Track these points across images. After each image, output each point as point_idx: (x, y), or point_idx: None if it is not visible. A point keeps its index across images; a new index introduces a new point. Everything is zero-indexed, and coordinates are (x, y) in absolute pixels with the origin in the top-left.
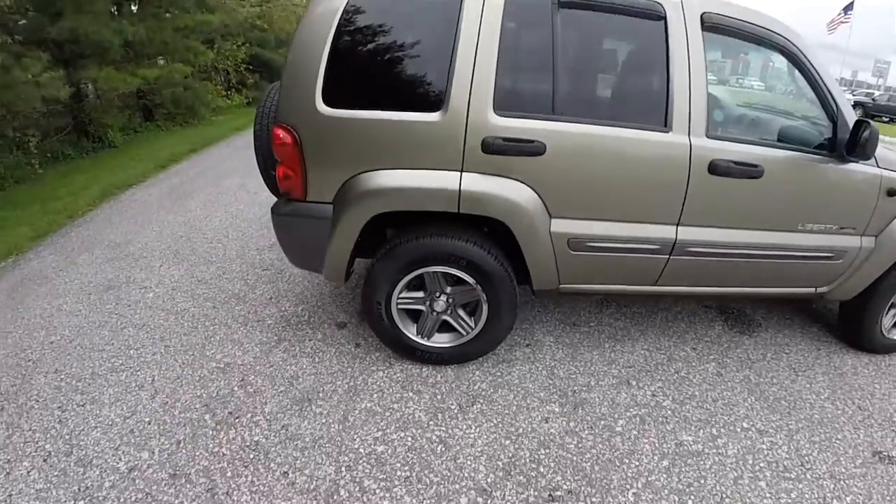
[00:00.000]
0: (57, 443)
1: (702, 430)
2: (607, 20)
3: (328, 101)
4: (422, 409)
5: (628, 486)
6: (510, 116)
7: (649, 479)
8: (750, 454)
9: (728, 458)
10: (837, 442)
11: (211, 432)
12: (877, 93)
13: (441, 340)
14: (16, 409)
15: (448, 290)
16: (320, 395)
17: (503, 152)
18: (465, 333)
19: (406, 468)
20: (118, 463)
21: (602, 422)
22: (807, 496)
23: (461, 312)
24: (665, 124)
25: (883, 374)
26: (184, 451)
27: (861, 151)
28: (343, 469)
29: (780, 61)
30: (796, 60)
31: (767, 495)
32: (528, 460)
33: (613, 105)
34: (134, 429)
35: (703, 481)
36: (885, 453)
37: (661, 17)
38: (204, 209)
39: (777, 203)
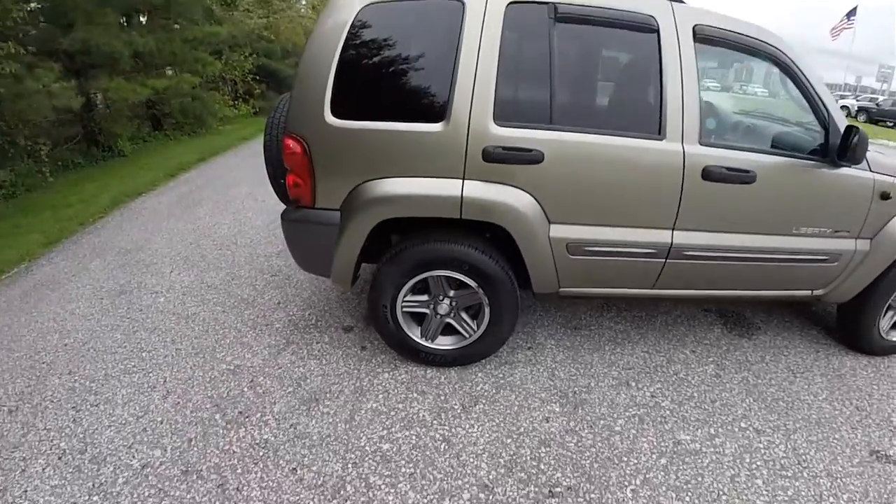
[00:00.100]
0: (71, 441)
1: (700, 430)
2: (602, 33)
3: (336, 112)
4: (426, 408)
5: (626, 483)
6: (510, 126)
7: (647, 476)
8: (747, 453)
9: (725, 457)
10: (835, 441)
11: (221, 431)
12: (881, 98)
13: (444, 343)
14: (31, 408)
15: (451, 293)
16: (327, 395)
17: (503, 161)
18: (467, 336)
19: (410, 465)
20: (131, 460)
21: (601, 421)
22: (803, 493)
23: (464, 315)
24: (659, 132)
25: (882, 375)
26: (195, 448)
27: (851, 156)
28: (349, 466)
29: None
30: (787, 69)
31: (764, 492)
32: (528, 458)
33: (609, 114)
34: (147, 428)
35: (700, 479)
36: (883, 452)
37: (654, 30)
38: (213, 217)
39: (770, 207)
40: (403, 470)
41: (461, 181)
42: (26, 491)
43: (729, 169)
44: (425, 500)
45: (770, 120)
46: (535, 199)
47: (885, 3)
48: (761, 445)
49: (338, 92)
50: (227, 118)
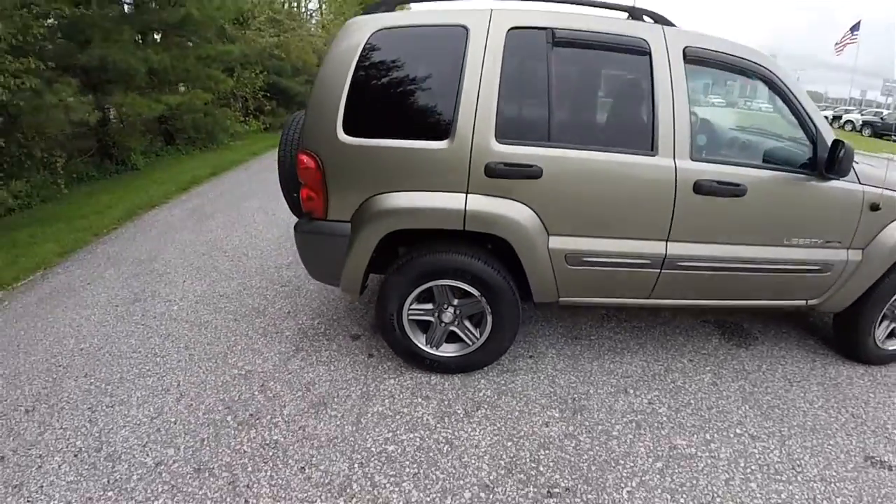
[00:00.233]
0: (87, 440)
1: (696, 435)
2: (597, 56)
3: (348, 130)
4: (430, 413)
5: (623, 485)
6: (510, 144)
7: (643, 478)
8: (742, 458)
9: (720, 461)
10: (829, 447)
11: (233, 432)
12: (885, 112)
13: (448, 350)
14: (47, 409)
15: (455, 302)
16: (335, 399)
17: (504, 176)
18: (471, 343)
19: (414, 465)
20: (146, 458)
21: (600, 426)
22: (797, 497)
23: (467, 324)
24: (652, 148)
25: (878, 384)
26: (207, 448)
27: (839, 168)
28: (356, 466)
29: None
30: (775, 87)
31: (758, 495)
32: (528, 460)
33: (604, 132)
34: (160, 428)
35: (695, 482)
36: (878, 458)
37: (647, 53)
38: (224, 229)
39: (761, 219)
40: (407, 470)
41: (465, 195)
42: (42, 486)
43: (719, 182)
44: (428, 499)
45: (764, 135)
46: (535, 212)
47: (890, 18)
48: (756, 451)
49: (350, 111)
50: (238, 134)
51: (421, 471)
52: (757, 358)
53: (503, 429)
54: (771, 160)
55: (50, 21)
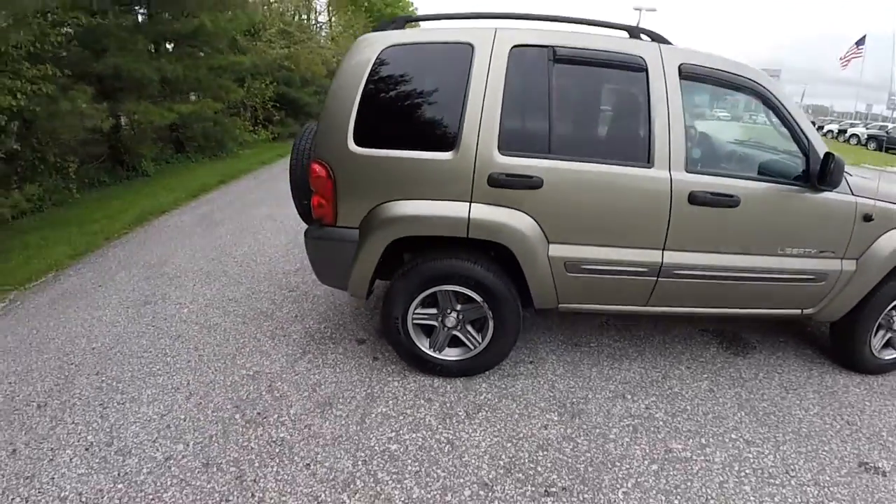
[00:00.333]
0: (98, 435)
1: (691, 440)
2: (596, 72)
3: (358, 140)
4: (432, 414)
5: (619, 486)
6: (513, 155)
7: (639, 480)
8: (736, 462)
9: (715, 465)
10: (824, 453)
11: (241, 429)
12: (891, 125)
13: (451, 354)
14: (59, 404)
15: (458, 307)
16: (340, 400)
17: (507, 186)
18: (473, 348)
19: (416, 464)
20: (155, 453)
21: (597, 430)
22: (790, 500)
23: (470, 328)
24: (648, 161)
25: (875, 392)
26: (216, 444)
27: (830, 180)
28: (360, 463)
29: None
30: (768, 102)
31: (751, 498)
32: (527, 461)
33: (602, 144)
34: (170, 424)
35: (689, 484)
36: (872, 464)
37: (643, 69)
38: (233, 236)
39: (755, 229)
40: (409, 468)
41: (468, 204)
42: (53, 478)
43: (713, 193)
44: (429, 496)
45: (760, 148)
46: (536, 220)
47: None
48: (751, 455)
49: (360, 122)
50: (247, 143)
51: (422, 469)
52: (754, 366)
53: (503, 430)
54: (765, 172)
55: (66, 29)
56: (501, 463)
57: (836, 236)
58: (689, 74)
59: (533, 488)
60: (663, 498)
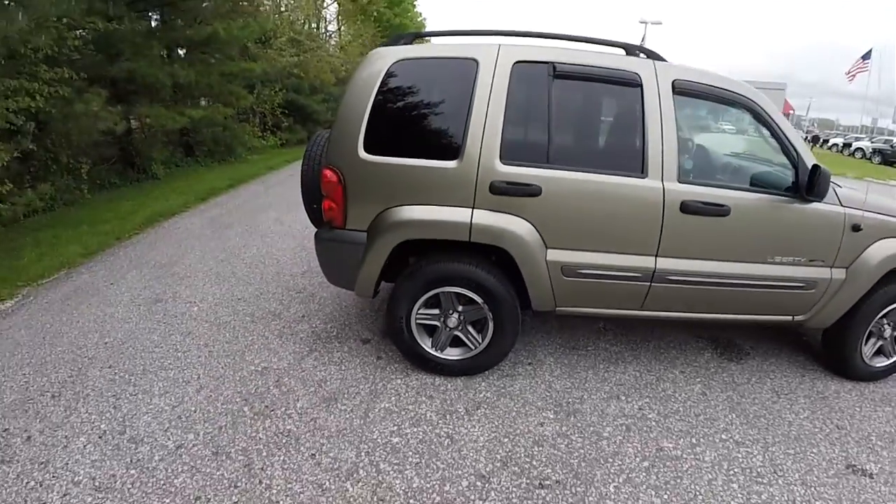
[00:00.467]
0: (111, 423)
1: (682, 439)
2: (593, 87)
3: (368, 149)
4: (433, 410)
5: (610, 481)
6: (513, 165)
7: (630, 475)
8: (726, 461)
9: (704, 463)
10: (812, 455)
11: (249, 421)
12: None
13: (453, 354)
14: (73, 395)
15: (460, 308)
16: (345, 395)
17: (507, 193)
18: (473, 348)
19: (417, 456)
20: (167, 441)
21: (591, 428)
22: (777, 498)
23: (471, 329)
24: (642, 171)
25: (865, 398)
26: (225, 434)
27: (817, 191)
28: (363, 454)
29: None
30: (759, 116)
31: (739, 495)
32: (522, 455)
33: (598, 155)
34: (181, 415)
35: (678, 480)
36: (859, 466)
37: (638, 85)
38: (242, 238)
39: (745, 238)
40: (410, 460)
41: (471, 210)
42: (67, 464)
43: (704, 203)
44: (428, 485)
45: (755, 160)
46: (535, 226)
47: None
48: (740, 455)
49: (370, 131)
50: (256, 148)
51: (423, 461)
52: (747, 371)
53: (500, 427)
54: (757, 183)
55: (80, 32)
56: (498, 457)
57: (825, 245)
58: (682, 90)
59: (528, 481)
60: (653, 493)
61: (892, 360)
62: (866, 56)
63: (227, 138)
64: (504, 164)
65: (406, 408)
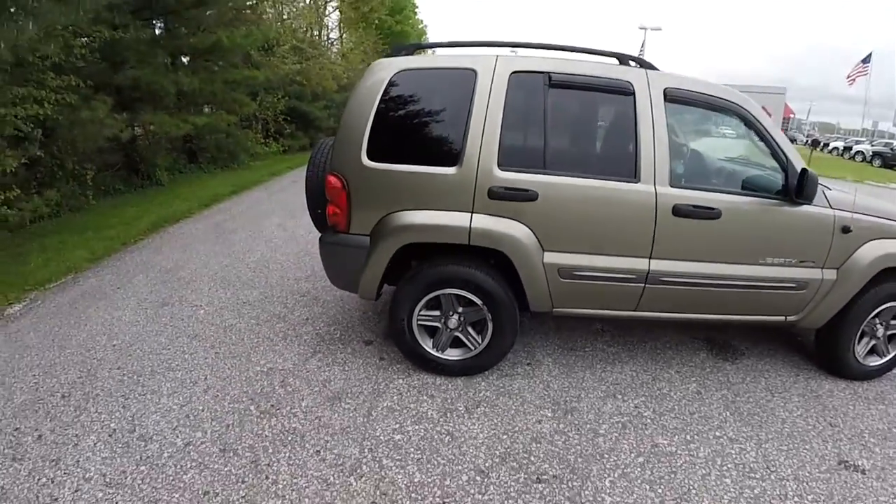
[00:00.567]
0: (121, 422)
1: (677, 436)
2: (587, 96)
3: (371, 156)
4: (434, 409)
5: (606, 476)
6: (511, 170)
7: (625, 470)
8: (719, 457)
9: (698, 459)
10: (805, 451)
11: (255, 419)
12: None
13: (453, 354)
14: (83, 395)
15: (460, 310)
16: (349, 395)
17: (505, 198)
18: (473, 348)
19: (418, 452)
20: (175, 439)
21: (588, 425)
22: (769, 493)
23: (470, 330)
24: (635, 176)
25: (859, 397)
26: (232, 432)
27: (805, 194)
28: (366, 451)
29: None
30: (749, 123)
31: (731, 490)
32: (521, 451)
33: (593, 161)
34: (189, 414)
35: (673, 476)
36: (851, 462)
37: (631, 93)
38: (246, 243)
39: (736, 240)
40: (412, 455)
41: (470, 214)
42: (78, 461)
43: (695, 206)
44: (429, 480)
45: (747, 165)
46: (532, 230)
47: None
48: (733, 451)
49: (373, 139)
50: (258, 155)
51: (424, 457)
52: (742, 371)
53: (500, 424)
54: (748, 187)
55: (84, 39)
56: (497, 453)
57: (815, 247)
58: (673, 97)
59: (525, 476)
60: (647, 487)
61: (885, 360)
62: (866, 60)
63: (231, 145)
64: (502, 170)
65: (408, 406)
